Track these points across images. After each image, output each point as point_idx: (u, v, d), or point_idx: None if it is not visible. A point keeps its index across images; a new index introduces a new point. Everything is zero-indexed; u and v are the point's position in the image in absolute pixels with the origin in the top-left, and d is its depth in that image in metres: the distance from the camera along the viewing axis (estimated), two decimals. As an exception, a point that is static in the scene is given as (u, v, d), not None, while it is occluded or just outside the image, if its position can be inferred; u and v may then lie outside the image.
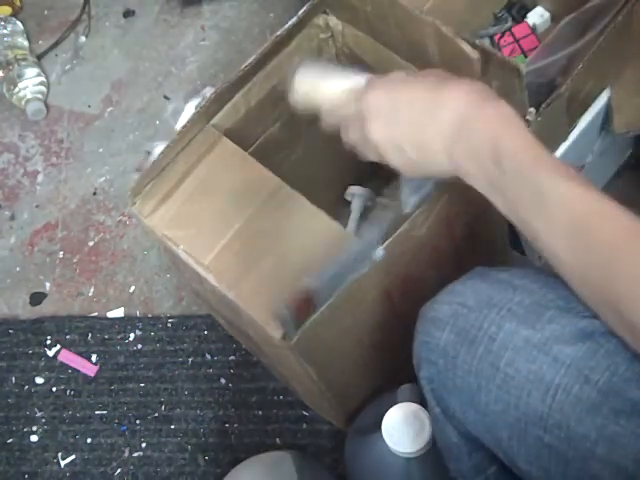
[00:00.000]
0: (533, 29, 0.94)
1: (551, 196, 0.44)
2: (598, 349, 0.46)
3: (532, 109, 0.63)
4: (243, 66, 0.72)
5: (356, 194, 1.02)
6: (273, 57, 0.76)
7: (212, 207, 0.70)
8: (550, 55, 0.70)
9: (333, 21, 0.79)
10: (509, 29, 0.95)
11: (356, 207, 1.02)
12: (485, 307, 0.50)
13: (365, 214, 1.03)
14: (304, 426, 0.96)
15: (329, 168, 0.98)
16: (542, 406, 0.47)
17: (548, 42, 0.70)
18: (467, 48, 0.63)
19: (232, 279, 0.66)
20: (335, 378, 0.77)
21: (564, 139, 0.73)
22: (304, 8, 0.74)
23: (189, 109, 0.69)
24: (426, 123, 0.51)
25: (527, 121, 0.65)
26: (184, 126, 0.68)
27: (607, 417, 0.44)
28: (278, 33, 0.74)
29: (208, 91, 0.69)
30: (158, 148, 0.68)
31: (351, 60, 0.83)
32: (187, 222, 0.70)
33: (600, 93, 0.75)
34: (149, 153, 0.67)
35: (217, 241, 0.68)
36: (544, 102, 0.65)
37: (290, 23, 0.74)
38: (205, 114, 0.72)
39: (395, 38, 0.73)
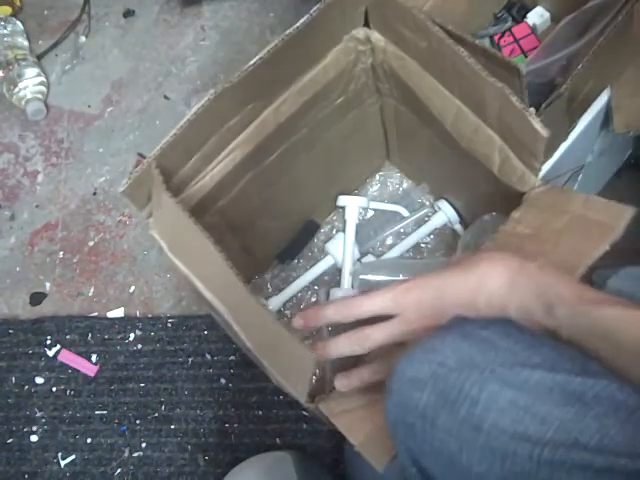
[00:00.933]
0: (533, 29, 0.94)
1: (608, 325, 0.49)
2: (587, 412, 0.45)
3: (532, 109, 0.62)
4: (245, 67, 0.66)
5: (348, 205, 1.02)
6: (306, 71, 0.74)
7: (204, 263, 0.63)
8: (550, 55, 0.70)
9: (375, 36, 0.76)
10: (509, 29, 0.94)
11: (351, 218, 1.02)
12: (467, 368, 0.49)
13: (362, 221, 1.04)
14: (304, 426, 0.96)
15: (341, 167, 0.98)
16: (530, 463, 0.45)
17: (548, 42, 0.70)
18: (537, 125, 0.61)
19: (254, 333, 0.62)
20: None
21: (564, 139, 0.73)
22: (317, 6, 0.68)
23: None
24: (472, 298, 0.56)
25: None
26: (191, 116, 0.63)
27: (601, 468, 0.42)
28: (288, 32, 0.67)
29: (211, 93, 0.66)
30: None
31: (389, 78, 0.81)
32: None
33: (600, 93, 0.75)
34: (141, 155, 0.65)
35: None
36: (544, 102, 0.65)
37: (301, 22, 0.67)
38: (212, 111, 0.67)
39: (450, 78, 0.70)
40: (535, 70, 0.70)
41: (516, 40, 0.93)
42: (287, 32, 0.66)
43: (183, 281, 1.08)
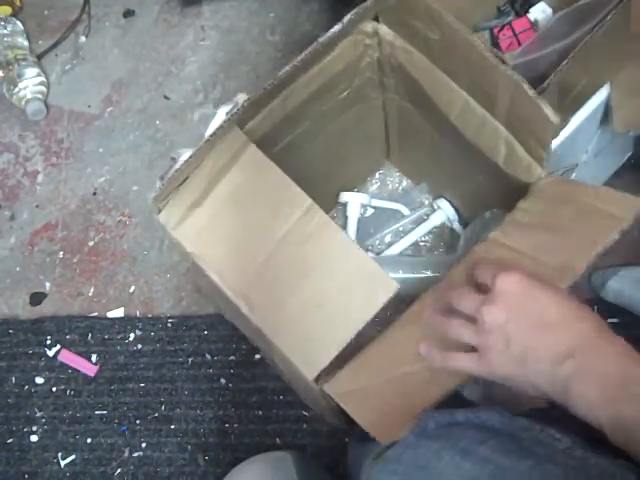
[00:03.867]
0: (534, 24, 0.93)
1: None
2: None
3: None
4: (280, 73, 0.67)
5: (350, 202, 1.02)
6: (315, 63, 0.73)
7: (243, 223, 0.67)
8: (540, 49, 0.69)
9: (383, 29, 0.75)
10: (510, 22, 0.94)
11: (352, 215, 1.02)
12: None
13: (362, 219, 1.04)
14: (304, 426, 0.96)
15: (341, 163, 0.98)
16: None
17: (539, 36, 0.69)
18: (548, 111, 0.60)
19: (266, 311, 0.64)
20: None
21: (555, 135, 0.72)
22: (348, 15, 0.68)
23: (220, 115, 0.66)
24: (548, 328, 0.52)
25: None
26: (213, 133, 0.64)
27: None
28: (320, 40, 0.68)
29: (241, 98, 0.65)
30: (184, 155, 0.64)
31: (395, 72, 0.81)
32: (217, 239, 0.66)
33: (597, 90, 0.74)
34: (174, 159, 0.64)
35: (249, 265, 0.65)
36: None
37: (333, 30, 0.68)
38: (236, 121, 0.68)
39: (459, 71, 0.70)
40: (524, 63, 0.69)
41: (515, 34, 0.92)
42: (320, 40, 0.66)
43: (183, 281, 1.08)
